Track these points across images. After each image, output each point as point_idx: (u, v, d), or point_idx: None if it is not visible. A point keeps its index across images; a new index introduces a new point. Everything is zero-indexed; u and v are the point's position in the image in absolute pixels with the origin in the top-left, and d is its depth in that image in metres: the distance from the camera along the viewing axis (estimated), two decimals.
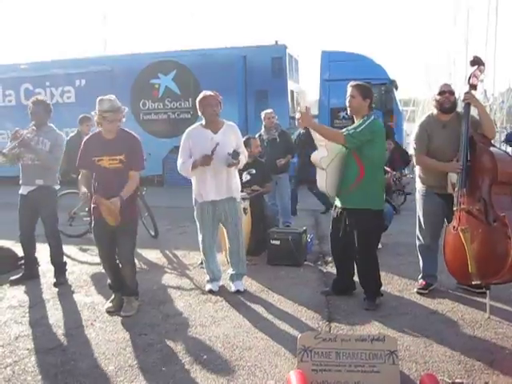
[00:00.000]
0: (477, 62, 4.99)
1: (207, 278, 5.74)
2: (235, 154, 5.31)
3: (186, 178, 5.65)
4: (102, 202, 4.70)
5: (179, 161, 5.50)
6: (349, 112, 5.12)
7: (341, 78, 14.94)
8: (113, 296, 5.27)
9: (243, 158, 5.56)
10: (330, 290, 5.42)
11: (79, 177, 5.32)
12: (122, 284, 5.19)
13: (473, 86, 4.99)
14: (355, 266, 5.26)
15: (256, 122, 8.51)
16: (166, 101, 16.64)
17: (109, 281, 5.32)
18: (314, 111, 19.54)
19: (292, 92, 17.40)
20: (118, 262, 5.19)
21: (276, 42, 16.58)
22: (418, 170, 5.40)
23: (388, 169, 7.44)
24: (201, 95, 5.46)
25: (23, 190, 6.06)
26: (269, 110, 8.70)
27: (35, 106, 6.03)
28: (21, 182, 6.09)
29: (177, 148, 17.04)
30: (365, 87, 5.02)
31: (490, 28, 30.18)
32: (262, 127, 8.64)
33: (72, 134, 8.79)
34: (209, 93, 5.45)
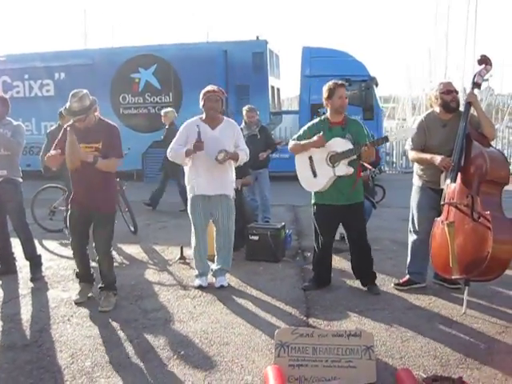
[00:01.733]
0: (484, 60, 4.98)
1: (196, 272, 5.71)
2: (220, 152, 5.26)
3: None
4: (72, 139, 4.67)
5: (171, 146, 5.47)
6: (339, 111, 5.21)
7: (321, 74, 15.00)
8: (79, 287, 5.33)
9: (243, 155, 5.48)
10: (312, 285, 5.47)
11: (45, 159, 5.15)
12: (90, 273, 5.34)
13: (477, 85, 5.00)
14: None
15: (237, 117, 8.50)
16: (146, 95, 16.56)
17: (76, 270, 5.35)
18: (295, 107, 19.64)
19: (273, 87, 17.41)
20: (88, 253, 5.28)
21: (257, 37, 16.57)
22: (415, 165, 5.44)
23: (367, 165, 7.47)
24: (205, 88, 5.43)
25: None
26: (249, 107, 8.66)
27: None
28: None
29: (156, 143, 17.12)
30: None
31: (470, 27, 30.50)
32: (243, 122, 8.62)
33: (52, 128, 8.70)
34: (213, 88, 5.41)
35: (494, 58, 4.98)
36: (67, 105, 4.84)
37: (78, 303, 5.14)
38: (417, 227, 5.38)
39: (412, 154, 5.25)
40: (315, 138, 5.17)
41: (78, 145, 4.73)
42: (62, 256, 7.05)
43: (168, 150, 5.50)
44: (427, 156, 5.05)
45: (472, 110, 4.96)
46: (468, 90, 5.07)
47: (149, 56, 16.47)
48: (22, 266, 6.24)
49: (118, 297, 5.21)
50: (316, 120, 5.44)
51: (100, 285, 5.24)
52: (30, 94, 17.24)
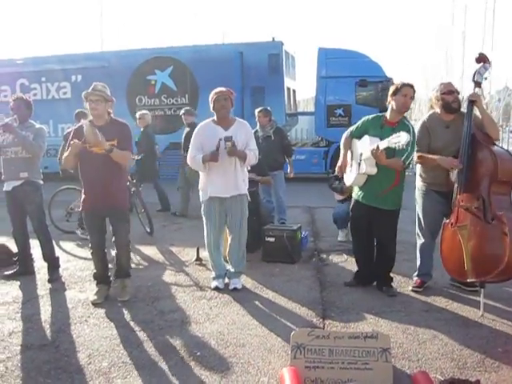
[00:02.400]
0: (482, 59, 4.94)
1: (212, 274, 5.72)
2: (227, 138, 5.24)
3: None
4: (92, 127, 4.89)
5: (189, 155, 5.48)
6: (400, 110, 5.13)
7: (338, 75, 15.01)
8: (97, 288, 5.42)
9: (252, 156, 5.44)
10: (352, 281, 5.58)
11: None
12: (107, 275, 5.50)
13: (477, 84, 4.96)
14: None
15: (252, 119, 8.50)
16: (163, 97, 16.66)
17: (94, 271, 5.48)
18: (311, 109, 19.61)
19: (288, 89, 17.41)
20: (106, 252, 5.49)
21: (273, 38, 16.60)
22: (418, 168, 5.41)
23: None
24: (213, 91, 5.45)
25: (7, 187, 6.01)
26: (260, 109, 8.63)
27: (16, 102, 6.01)
28: (3, 177, 6.02)
29: (173, 144, 17.20)
30: None
31: (487, 26, 30.26)
32: (257, 124, 8.61)
33: (69, 130, 8.77)
34: (219, 89, 5.44)
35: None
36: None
37: (95, 304, 5.19)
38: (423, 231, 5.38)
39: (420, 157, 5.17)
40: (340, 160, 5.42)
41: (97, 131, 4.91)
42: (78, 257, 7.10)
43: (188, 159, 5.52)
44: (434, 157, 5.00)
45: (475, 110, 4.93)
46: (469, 91, 5.03)
47: (165, 58, 16.58)
48: (40, 267, 6.30)
49: (135, 298, 5.27)
50: (374, 115, 5.39)
51: (115, 274, 5.53)
52: (48, 97, 17.42)
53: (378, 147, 4.87)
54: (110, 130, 5.08)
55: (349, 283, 5.56)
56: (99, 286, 5.44)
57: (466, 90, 5.14)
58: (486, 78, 4.97)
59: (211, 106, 5.42)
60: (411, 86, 5.11)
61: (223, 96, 5.37)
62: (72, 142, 5.01)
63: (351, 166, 5.40)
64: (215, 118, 5.49)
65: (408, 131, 4.89)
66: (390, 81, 15.80)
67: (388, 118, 5.20)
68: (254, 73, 15.98)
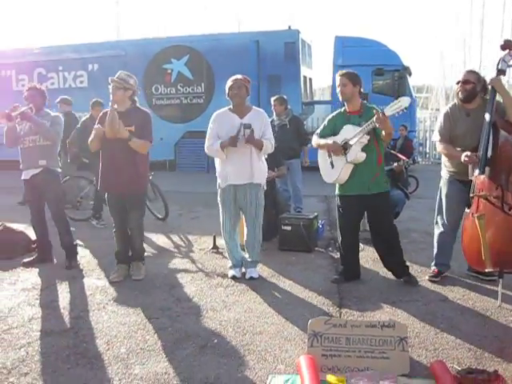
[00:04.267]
0: (507, 46, 4.86)
1: (229, 264, 5.74)
2: (247, 126, 5.26)
3: (202, 163, 5.71)
4: (114, 115, 5.19)
5: (206, 143, 5.50)
6: (341, 99, 5.24)
7: (354, 64, 14.84)
8: (117, 267, 5.71)
9: (268, 144, 5.45)
10: (341, 278, 5.44)
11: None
12: (128, 255, 5.76)
13: (501, 72, 4.91)
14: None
15: (268, 107, 8.48)
16: (179, 85, 16.66)
17: (116, 249, 5.73)
18: (328, 97, 19.51)
19: (305, 77, 17.34)
20: (128, 232, 5.73)
21: (289, 26, 16.54)
22: (443, 157, 5.41)
23: (401, 155, 7.41)
24: (229, 79, 5.48)
25: (25, 175, 6.07)
26: (275, 98, 8.61)
27: (30, 91, 6.05)
28: (22, 166, 6.07)
29: (189, 133, 17.28)
30: (353, 74, 5.22)
31: (507, 12, 29.85)
32: (273, 113, 8.60)
33: (84, 118, 8.84)
34: (236, 76, 5.47)
35: None
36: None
37: (114, 282, 5.48)
38: (444, 219, 5.34)
39: (440, 147, 5.21)
40: (330, 142, 5.23)
41: (117, 119, 5.17)
42: (94, 246, 7.14)
43: (205, 149, 5.54)
44: (453, 152, 5.03)
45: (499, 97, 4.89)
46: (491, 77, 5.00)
47: (181, 47, 16.57)
48: (58, 254, 6.36)
49: (152, 285, 5.33)
50: (335, 112, 5.46)
51: (130, 255, 5.76)
52: (65, 85, 17.48)
53: (383, 113, 4.86)
54: (130, 116, 5.31)
55: (336, 280, 5.42)
56: (119, 265, 5.73)
57: (486, 78, 5.07)
58: (511, 66, 4.92)
59: (226, 93, 5.44)
60: (340, 75, 5.19)
61: (237, 84, 5.37)
62: (96, 127, 5.32)
63: (330, 163, 5.31)
64: (231, 106, 5.49)
65: (378, 111, 4.94)
66: (407, 69, 15.73)
67: (348, 109, 5.26)
68: (270, 61, 15.93)
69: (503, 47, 4.87)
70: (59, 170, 6.20)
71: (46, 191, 6.07)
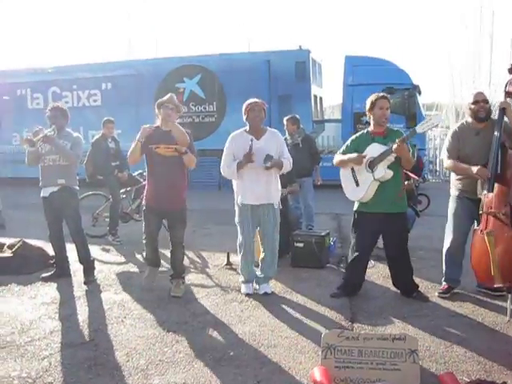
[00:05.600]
0: None
1: (241, 279, 5.84)
2: (267, 158, 5.42)
3: (214, 181, 5.85)
4: (176, 125, 5.46)
5: (223, 164, 5.67)
6: (381, 123, 5.32)
7: (364, 83, 15.08)
8: (148, 269, 5.99)
9: (287, 164, 5.62)
10: (341, 292, 5.57)
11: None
12: (158, 258, 5.97)
13: (509, 94, 5.08)
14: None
15: (280, 126, 8.62)
16: (191, 104, 16.86)
17: (146, 255, 6.03)
18: (337, 115, 19.69)
19: (315, 96, 17.52)
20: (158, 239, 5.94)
21: (300, 46, 16.74)
22: (452, 175, 5.52)
23: (411, 174, 7.53)
24: (246, 102, 5.63)
25: (44, 193, 6.23)
26: (288, 118, 8.75)
27: (53, 111, 6.22)
28: (41, 184, 6.24)
29: (201, 151, 17.30)
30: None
31: None
32: (286, 132, 8.75)
33: (97, 137, 9.04)
34: (254, 99, 5.61)
35: None
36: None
37: (147, 283, 5.85)
38: (452, 236, 5.43)
39: (448, 163, 5.32)
40: (355, 155, 5.31)
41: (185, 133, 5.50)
42: (109, 261, 7.34)
43: (222, 171, 5.73)
44: (464, 166, 5.12)
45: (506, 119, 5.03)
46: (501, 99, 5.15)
47: (193, 66, 16.81)
48: (76, 269, 6.51)
49: (168, 301, 5.47)
50: (359, 133, 5.56)
51: (172, 273, 5.87)
52: (79, 104, 17.76)
53: (398, 140, 5.00)
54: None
55: (334, 294, 5.54)
56: (149, 268, 5.98)
57: (494, 97, 5.25)
58: None
59: (245, 115, 5.58)
60: (385, 97, 5.31)
61: (258, 107, 5.53)
62: (138, 141, 5.48)
63: (355, 181, 5.39)
64: (247, 128, 5.64)
65: (401, 134, 5.19)
66: (416, 88, 15.87)
67: (373, 130, 5.37)
68: (281, 81, 16.11)
69: (510, 71, 5.04)
70: (77, 188, 6.37)
71: (65, 207, 6.23)
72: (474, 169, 4.95)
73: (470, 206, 5.24)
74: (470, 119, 5.27)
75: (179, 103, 5.71)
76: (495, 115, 5.22)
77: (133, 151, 5.52)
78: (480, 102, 5.15)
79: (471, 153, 5.13)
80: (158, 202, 5.63)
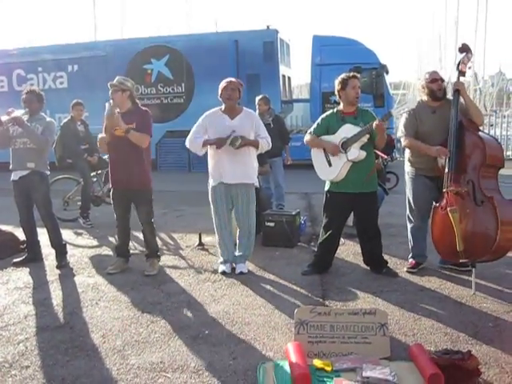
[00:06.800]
0: (465, 49, 5.18)
1: (220, 259, 5.90)
2: (234, 139, 5.43)
3: (183, 162, 5.86)
4: (113, 111, 5.51)
5: (190, 136, 5.66)
6: (355, 102, 5.40)
7: (332, 63, 15.17)
8: (115, 259, 6.05)
9: (264, 143, 5.67)
10: (312, 269, 5.68)
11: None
12: (127, 249, 6.10)
13: (462, 73, 5.21)
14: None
15: (248, 106, 8.65)
16: (159, 86, 16.77)
17: (117, 243, 6.15)
18: (305, 95, 19.75)
19: (284, 76, 17.55)
20: (129, 227, 6.05)
21: (267, 26, 16.72)
22: (407, 153, 5.60)
23: (380, 153, 7.64)
24: (223, 80, 5.65)
25: (14, 176, 6.20)
26: (260, 97, 8.81)
27: (29, 95, 6.20)
28: (11, 167, 6.21)
29: (170, 132, 17.32)
30: None
31: (480, 11, 30.34)
32: (256, 112, 8.77)
33: (65, 120, 8.94)
34: (230, 78, 5.65)
35: (506, 43, 5.18)
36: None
37: (110, 273, 5.80)
38: (414, 214, 5.58)
39: (407, 142, 5.37)
40: (331, 144, 5.39)
41: (116, 115, 5.52)
42: (82, 245, 7.34)
43: (187, 141, 5.71)
44: (423, 146, 5.22)
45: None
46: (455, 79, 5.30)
47: (161, 47, 16.69)
48: (48, 253, 6.50)
49: (141, 282, 5.52)
50: (329, 112, 5.63)
51: (145, 253, 6.05)
52: (44, 87, 17.48)
53: (382, 120, 5.10)
54: (131, 116, 5.59)
55: (306, 272, 5.65)
56: (117, 258, 6.04)
57: (455, 77, 5.34)
58: (469, 68, 5.22)
59: (219, 93, 5.60)
60: (356, 77, 5.39)
61: (232, 86, 5.54)
62: (100, 136, 5.67)
63: (327, 162, 5.46)
64: (222, 107, 5.66)
65: (373, 115, 5.36)
66: (384, 67, 16.02)
67: (344, 110, 5.45)
68: (249, 61, 16.11)
69: (461, 50, 5.18)
70: (48, 173, 6.33)
71: (34, 192, 6.20)
72: (434, 149, 5.06)
73: (426, 183, 5.38)
74: (425, 97, 5.37)
75: (125, 82, 5.65)
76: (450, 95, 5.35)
77: (102, 143, 5.70)
78: (438, 80, 5.28)
79: (429, 130, 5.24)
80: (117, 182, 5.77)
